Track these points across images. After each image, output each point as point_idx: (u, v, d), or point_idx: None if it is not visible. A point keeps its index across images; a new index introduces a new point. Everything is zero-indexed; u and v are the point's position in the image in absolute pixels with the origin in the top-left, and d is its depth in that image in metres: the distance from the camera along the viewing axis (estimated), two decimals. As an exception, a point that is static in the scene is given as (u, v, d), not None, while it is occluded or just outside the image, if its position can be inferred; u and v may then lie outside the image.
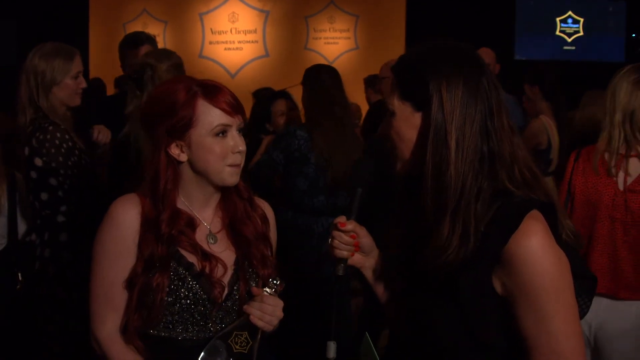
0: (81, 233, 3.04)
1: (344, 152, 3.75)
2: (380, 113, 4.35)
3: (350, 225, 1.70)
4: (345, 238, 1.70)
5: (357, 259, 1.74)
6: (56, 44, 3.14)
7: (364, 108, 7.20)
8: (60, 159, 2.97)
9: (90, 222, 3.02)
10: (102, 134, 3.26)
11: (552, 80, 4.46)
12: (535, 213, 1.40)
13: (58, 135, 2.98)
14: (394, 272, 1.66)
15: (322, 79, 3.87)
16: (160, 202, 1.78)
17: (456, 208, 1.42)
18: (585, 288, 1.55)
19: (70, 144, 3.02)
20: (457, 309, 1.44)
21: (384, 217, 1.67)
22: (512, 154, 1.47)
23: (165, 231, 1.76)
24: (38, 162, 2.97)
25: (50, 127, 2.99)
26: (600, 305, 2.72)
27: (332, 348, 1.68)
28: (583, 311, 1.53)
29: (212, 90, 1.78)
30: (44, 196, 3.01)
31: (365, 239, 1.73)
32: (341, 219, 1.72)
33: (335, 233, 1.71)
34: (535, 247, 1.37)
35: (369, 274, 1.76)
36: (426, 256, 1.45)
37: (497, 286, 1.42)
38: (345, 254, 1.71)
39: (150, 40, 3.95)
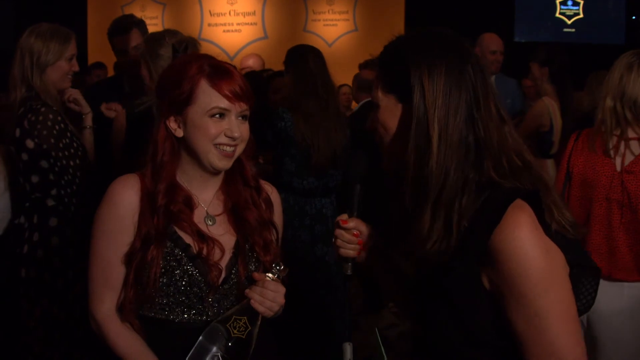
0: (71, 218, 3.04)
1: (327, 135, 3.75)
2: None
3: (352, 223, 1.66)
4: (348, 236, 1.66)
5: (363, 257, 1.69)
6: (53, 25, 3.11)
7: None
8: (52, 140, 2.96)
9: (81, 206, 3.02)
10: (114, 110, 3.24)
11: (562, 62, 4.46)
12: (519, 203, 1.34)
13: (50, 116, 2.96)
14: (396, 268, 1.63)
15: (305, 61, 3.84)
16: (157, 175, 1.78)
17: (437, 200, 1.38)
18: (589, 278, 1.46)
19: (62, 125, 3.00)
20: (450, 306, 1.41)
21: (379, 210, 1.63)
22: (500, 143, 1.41)
23: (161, 203, 1.76)
24: (29, 144, 2.95)
25: (43, 109, 2.96)
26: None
27: (348, 350, 1.63)
28: (589, 302, 1.46)
29: (219, 73, 1.77)
30: (34, 179, 3.00)
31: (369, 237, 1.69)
32: (343, 216, 1.68)
33: (338, 232, 1.67)
34: (520, 239, 1.30)
35: (377, 272, 1.71)
36: (409, 248, 1.42)
37: (485, 282, 1.37)
38: (350, 252, 1.66)
39: (139, 24, 3.87)
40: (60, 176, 3.00)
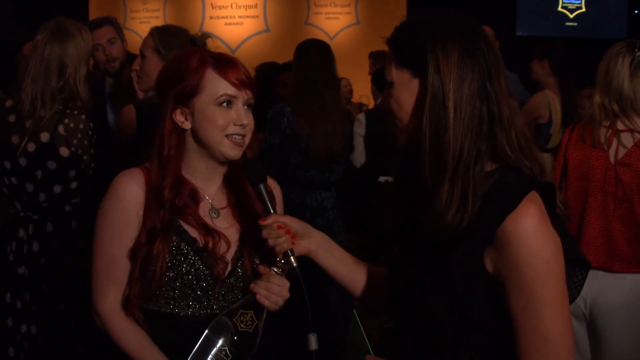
0: (71, 218, 3.02)
1: (325, 130, 3.77)
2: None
3: (271, 219, 1.69)
4: (275, 232, 1.69)
5: (301, 247, 1.73)
6: (61, 23, 3.00)
7: (366, 84, 7.16)
8: (91, 150, 2.92)
9: (79, 209, 2.97)
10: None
11: (561, 55, 4.45)
12: (533, 195, 1.38)
13: (90, 124, 2.92)
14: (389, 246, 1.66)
15: (309, 55, 3.85)
16: (163, 169, 1.78)
17: (455, 172, 1.40)
18: (578, 270, 1.53)
19: (92, 133, 2.95)
20: (447, 286, 1.43)
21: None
22: (509, 118, 1.45)
23: (167, 198, 1.76)
24: (64, 151, 2.88)
25: (83, 116, 2.91)
26: (594, 278, 2.75)
27: (312, 340, 1.67)
28: (573, 295, 1.51)
29: (224, 63, 1.79)
30: (57, 189, 2.92)
31: (294, 223, 1.72)
32: (261, 220, 1.70)
33: (264, 232, 1.69)
34: (530, 230, 1.35)
35: (321, 256, 1.76)
36: (424, 223, 1.43)
37: (489, 265, 1.40)
38: (285, 245, 1.69)
39: (111, 21, 3.99)
40: (84, 186, 2.96)
